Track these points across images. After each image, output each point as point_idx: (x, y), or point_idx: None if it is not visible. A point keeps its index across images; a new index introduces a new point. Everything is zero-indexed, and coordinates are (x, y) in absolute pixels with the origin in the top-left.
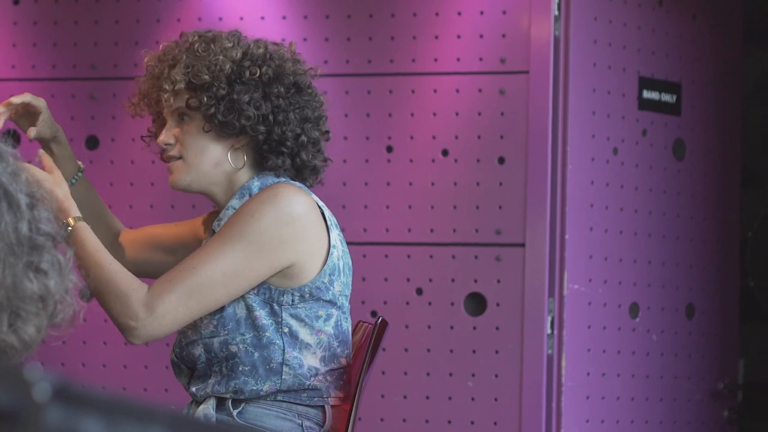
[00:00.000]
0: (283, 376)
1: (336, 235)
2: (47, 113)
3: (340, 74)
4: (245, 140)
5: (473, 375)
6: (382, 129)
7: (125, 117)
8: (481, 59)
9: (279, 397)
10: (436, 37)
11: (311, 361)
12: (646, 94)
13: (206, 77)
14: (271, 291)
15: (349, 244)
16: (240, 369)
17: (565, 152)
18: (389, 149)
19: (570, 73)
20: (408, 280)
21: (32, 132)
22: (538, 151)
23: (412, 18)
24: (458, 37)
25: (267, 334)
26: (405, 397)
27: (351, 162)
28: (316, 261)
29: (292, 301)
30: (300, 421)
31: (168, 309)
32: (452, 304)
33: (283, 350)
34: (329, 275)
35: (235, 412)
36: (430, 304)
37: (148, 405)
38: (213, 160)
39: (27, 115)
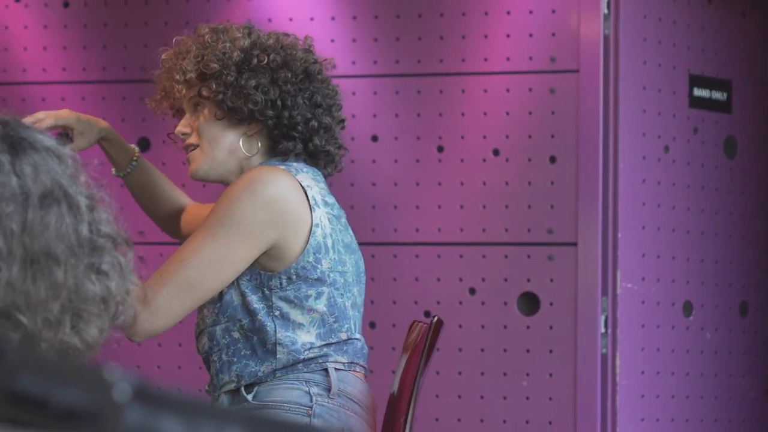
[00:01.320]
0: (278, 356)
1: (322, 213)
2: (80, 125)
3: (390, 74)
4: (258, 127)
5: (527, 374)
6: (432, 129)
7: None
8: (530, 58)
9: (278, 375)
10: (486, 37)
11: (305, 338)
12: (697, 91)
13: (215, 65)
14: (261, 276)
15: (400, 244)
16: (242, 353)
17: (616, 151)
18: (440, 149)
19: (620, 72)
20: (460, 279)
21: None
22: (589, 150)
23: (461, 17)
24: (507, 36)
25: (259, 317)
26: (459, 396)
27: (402, 162)
28: (298, 240)
29: (281, 284)
30: (307, 389)
31: (161, 303)
32: (505, 303)
33: (275, 331)
34: (314, 254)
35: (249, 396)
36: (483, 303)
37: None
38: (227, 147)
39: (62, 129)
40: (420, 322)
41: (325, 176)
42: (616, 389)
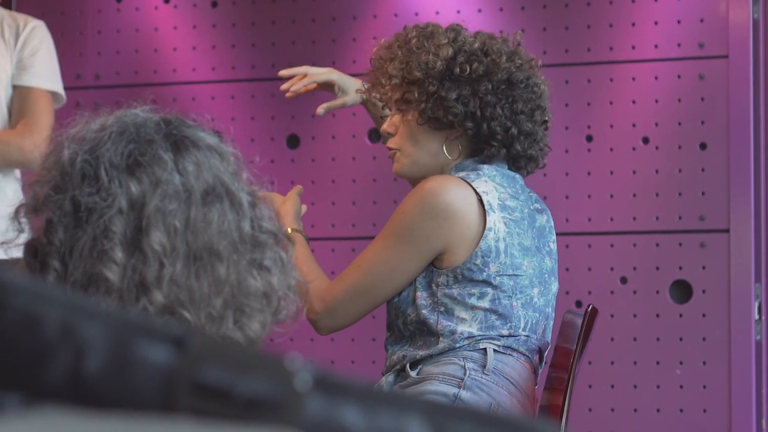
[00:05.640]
0: (439, 345)
1: (497, 218)
2: (342, 81)
3: None
4: (459, 132)
5: (681, 363)
6: (581, 118)
7: (325, 115)
8: (679, 45)
9: (434, 356)
10: (633, 24)
11: (465, 327)
12: None
13: (418, 74)
14: (432, 273)
15: None
16: (410, 342)
17: None
18: (589, 138)
19: None
20: (612, 269)
21: (320, 109)
22: (740, 136)
23: (608, 6)
24: (655, 23)
25: (424, 311)
26: (612, 386)
27: (551, 152)
28: (465, 246)
29: (447, 282)
30: (462, 363)
31: (338, 305)
32: (657, 292)
33: (437, 322)
34: (482, 257)
35: (413, 373)
36: (635, 292)
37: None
38: (429, 151)
39: (326, 87)
40: (573, 311)
41: (524, 176)
42: None
